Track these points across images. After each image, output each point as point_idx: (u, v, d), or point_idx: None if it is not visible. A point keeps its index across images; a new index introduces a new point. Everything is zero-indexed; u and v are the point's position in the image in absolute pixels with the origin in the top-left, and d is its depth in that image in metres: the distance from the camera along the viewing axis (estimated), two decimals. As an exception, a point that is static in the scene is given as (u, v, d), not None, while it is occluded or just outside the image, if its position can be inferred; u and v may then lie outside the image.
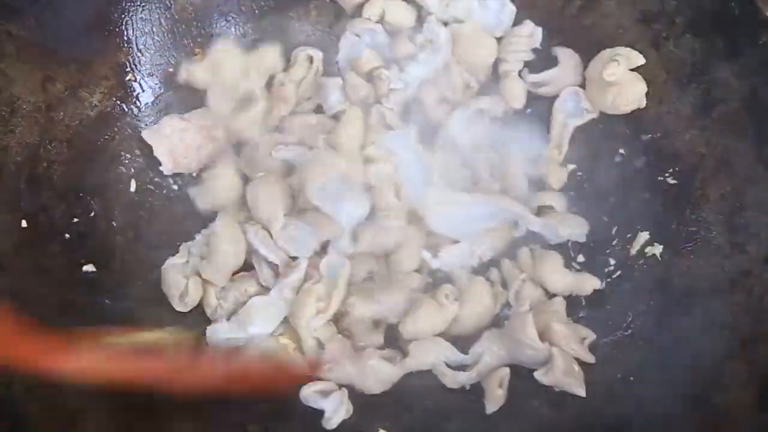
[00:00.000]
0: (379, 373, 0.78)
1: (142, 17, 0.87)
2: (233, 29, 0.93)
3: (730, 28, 0.79)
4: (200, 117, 0.89)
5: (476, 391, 0.79)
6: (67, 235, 0.80)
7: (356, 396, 0.78)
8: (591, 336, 0.79)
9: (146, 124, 0.89)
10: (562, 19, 0.91)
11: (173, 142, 0.88)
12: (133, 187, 0.87)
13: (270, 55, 0.88)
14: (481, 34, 0.91)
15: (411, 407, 0.79)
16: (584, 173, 0.90)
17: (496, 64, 0.92)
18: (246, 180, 0.86)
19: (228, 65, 0.87)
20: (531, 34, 0.90)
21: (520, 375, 0.78)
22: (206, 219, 0.87)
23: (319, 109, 0.92)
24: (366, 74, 0.91)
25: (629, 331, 0.80)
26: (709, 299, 0.76)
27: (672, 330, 0.77)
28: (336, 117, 0.90)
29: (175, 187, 0.90)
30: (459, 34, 0.90)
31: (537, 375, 0.76)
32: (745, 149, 0.78)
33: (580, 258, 0.86)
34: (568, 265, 0.85)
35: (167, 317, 0.82)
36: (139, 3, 0.87)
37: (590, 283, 0.83)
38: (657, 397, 0.74)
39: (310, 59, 0.91)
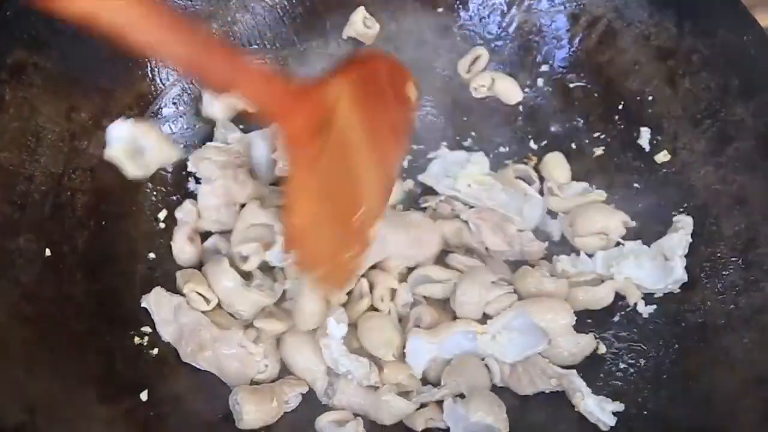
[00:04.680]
0: (392, 408, 0.77)
1: (165, 48, 0.88)
2: (255, 59, 0.93)
3: (745, 67, 0.80)
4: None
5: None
6: (89, 263, 0.81)
7: (371, 425, 0.79)
8: None
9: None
10: (578, 54, 0.92)
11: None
12: (154, 215, 0.88)
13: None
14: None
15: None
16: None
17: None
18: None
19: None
20: None
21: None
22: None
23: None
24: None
25: (642, 365, 0.81)
26: (723, 336, 0.77)
27: (684, 366, 0.78)
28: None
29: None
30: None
31: None
32: (760, 187, 0.79)
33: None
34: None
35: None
36: (162, 34, 0.88)
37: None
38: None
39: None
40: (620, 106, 0.90)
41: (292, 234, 0.68)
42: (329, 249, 0.72)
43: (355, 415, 0.79)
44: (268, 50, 0.94)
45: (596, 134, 0.92)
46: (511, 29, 0.95)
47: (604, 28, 0.90)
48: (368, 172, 0.71)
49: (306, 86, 0.63)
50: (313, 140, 0.62)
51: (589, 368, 0.80)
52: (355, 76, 0.66)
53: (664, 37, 0.86)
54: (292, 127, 0.61)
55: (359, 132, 0.67)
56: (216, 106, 0.90)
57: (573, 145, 0.92)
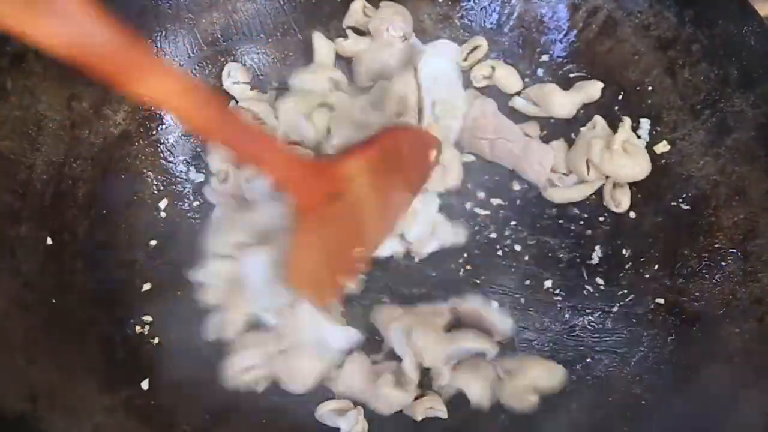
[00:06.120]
0: (389, 399, 0.78)
1: (166, 37, 0.89)
2: (256, 48, 0.94)
3: (745, 57, 0.80)
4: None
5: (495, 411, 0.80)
6: (90, 252, 0.81)
7: (371, 414, 0.79)
8: None
9: (169, 143, 0.90)
10: (578, 45, 0.92)
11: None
12: (155, 204, 0.88)
13: None
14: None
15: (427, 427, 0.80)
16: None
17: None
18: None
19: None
20: None
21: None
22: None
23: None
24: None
25: (639, 356, 0.81)
26: (721, 327, 0.77)
27: (682, 357, 0.78)
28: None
29: (196, 203, 0.90)
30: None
31: None
32: (758, 177, 0.79)
33: (599, 280, 0.87)
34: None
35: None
36: (163, 23, 0.88)
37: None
38: (667, 426, 0.75)
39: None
40: (620, 97, 0.90)
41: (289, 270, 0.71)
42: (319, 278, 0.75)
43: (356, 404, 0.80)
44: (269, 40, 0.93)
45: (596, 125, 0.92)
46: (511, 19, 0.94)
47: (604, 18, 0.89)
48: (372, 222, 0.76)
49: (325, 164, 0.70)
50: (321, 211, 0.67)
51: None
52: (376, 152, 0.71)
53: (663, 27, 0.85)
54: (306, 199, 0.66)
55: (371, 198, 0.73)
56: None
57: (572, 135, 0.92)
